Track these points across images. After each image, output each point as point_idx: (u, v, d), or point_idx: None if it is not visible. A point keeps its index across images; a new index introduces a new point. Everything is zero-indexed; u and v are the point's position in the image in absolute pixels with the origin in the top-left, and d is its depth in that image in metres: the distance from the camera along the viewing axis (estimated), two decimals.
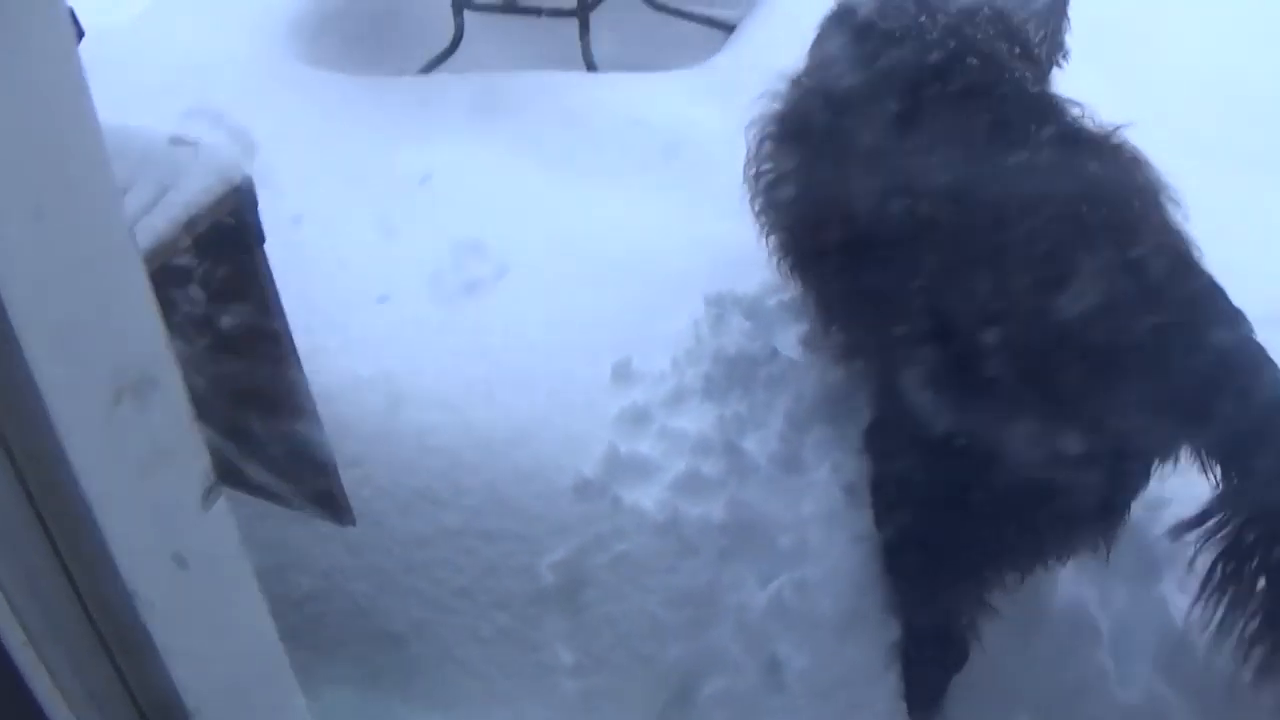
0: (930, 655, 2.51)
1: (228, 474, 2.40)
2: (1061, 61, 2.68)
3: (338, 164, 3.17)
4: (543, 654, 2.58)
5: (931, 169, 2.18)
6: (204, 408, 2.23)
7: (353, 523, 2.55)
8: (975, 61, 2.32)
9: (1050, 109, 2.29)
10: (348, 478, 2.56)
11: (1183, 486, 2.53)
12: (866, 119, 2.36)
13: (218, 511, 1.12)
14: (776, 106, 2.62)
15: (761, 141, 2.66)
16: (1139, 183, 2.16)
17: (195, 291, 2.20)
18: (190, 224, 1.97)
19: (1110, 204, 2.10)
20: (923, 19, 2.38)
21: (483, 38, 4.11)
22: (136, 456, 1.05)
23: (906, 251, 2.21)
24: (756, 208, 2.71)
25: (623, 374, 2.71)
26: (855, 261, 2.38)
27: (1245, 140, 3.54)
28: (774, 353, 2.77)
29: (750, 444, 2.66)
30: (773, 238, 2.71)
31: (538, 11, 3.92)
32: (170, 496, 1.08)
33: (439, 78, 4.04)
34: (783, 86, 2.63)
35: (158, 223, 1.93)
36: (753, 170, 2.69)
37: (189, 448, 1.08)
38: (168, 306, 2.05)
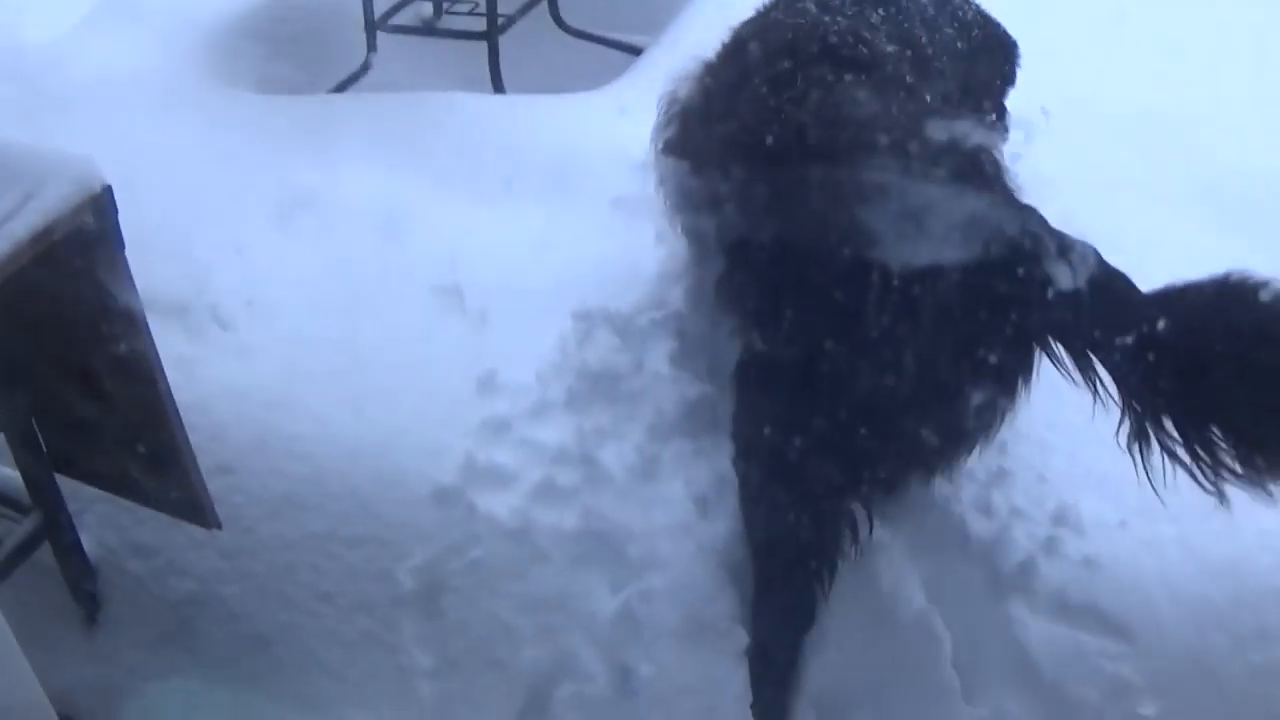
0: (781, 609, 2.58)
1: (104, 478, 2.48)
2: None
3: (230, 179, 3.23)
4: (401, 657, 2.64)
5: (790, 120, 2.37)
6: (71, 406, 2.31)
7: (218, 526, 2.61)
8: (849, 43, 2.53)
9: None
10: (220, 484, 2.63)
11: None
12: (743, 89, 2.57)
13: None
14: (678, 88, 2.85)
15: (663, 112, 2.90)
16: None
17: (58, 298, 2.26)
18: (48, 230, 2.05)
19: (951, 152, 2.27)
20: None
21: (398, 59, 4.19)
22: None
23: (767, 191, 2.40)
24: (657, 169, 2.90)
25: (487, 386, 2.78)
26: (730, 208, 2.55)
27: (1159, 175, 3.62)
28: (639, 367, 2.83)
29: (607, 455, 2.71)
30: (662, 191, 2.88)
31: (448, 33, 3.99)
32: None
33: (346, 97, 4.11)
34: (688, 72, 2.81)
35: (18, 229, 2.02)
36: (658, 138, 2.91)
37: None
38: (32, 305, 2.13)
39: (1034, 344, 2.32)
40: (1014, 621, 2.65)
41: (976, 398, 2.33)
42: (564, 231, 3.11)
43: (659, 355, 2.89)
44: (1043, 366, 2.78)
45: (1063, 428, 2.87)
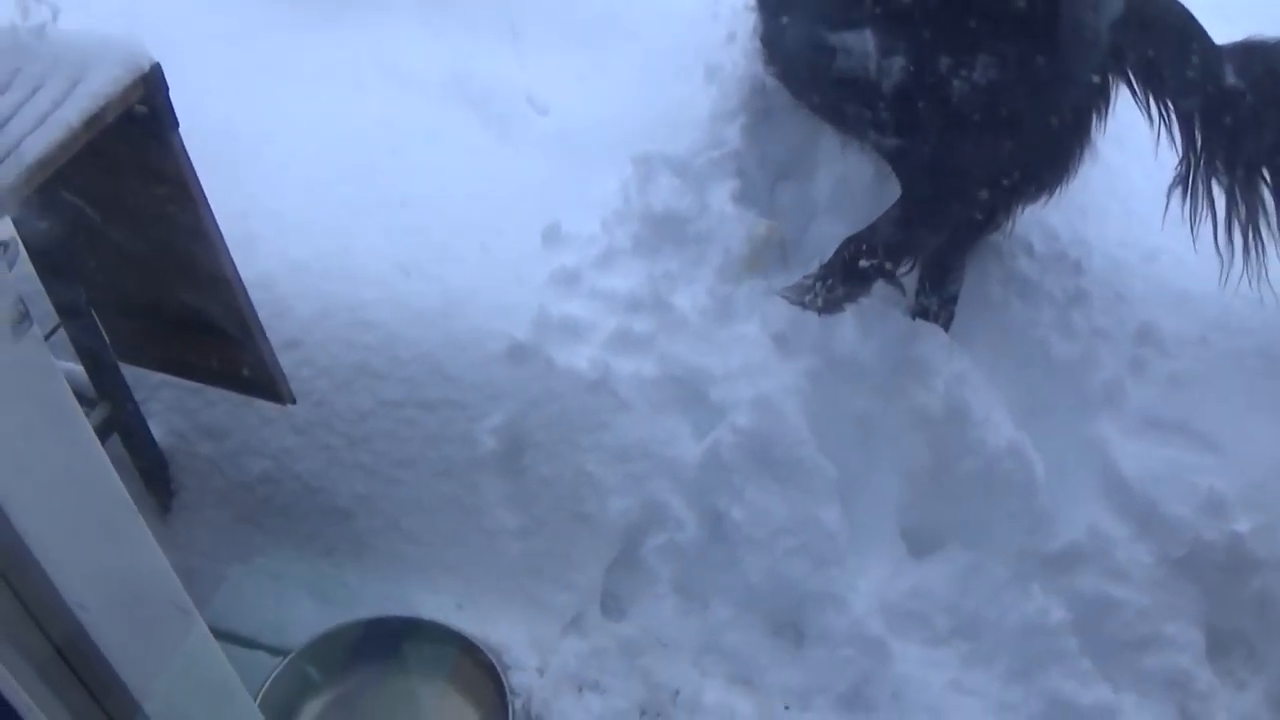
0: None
1: (170, 362, 2.43)
2: None
3: (265, 52, 3.15)
4: (486, 519, 2.62)
5: None
6: (132, 293, 2.26)
7: (293, 401, 2.58)
8: None
9: None
10: (288, 359, 2.58)
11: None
12: None
13: (30, 340, 1.12)
14: None
15: None
16: None
17: (116, 179, 2.21)
18: (100, 114, 1.99)
19: None
20: None
21: None
22: None
23: None
24: None
25: (552, 238, 2.72)
26: None
27: None
28: (703, 208, 2.77)
29: (680, 299, 2.67)
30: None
31: None
32: None
33: None
34: None
35: (69, 115, 1.95)
36: None
37: None
38: (89, 195, 2.08)
39: (1108, 76, 2.47)
40: (1104, 441, 2.63)
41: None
42: (612, 79, 3.04)
43: (721, 195, 2.84)
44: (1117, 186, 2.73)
45: (1136, 246, 2.82)
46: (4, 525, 1.14)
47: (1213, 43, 2.41)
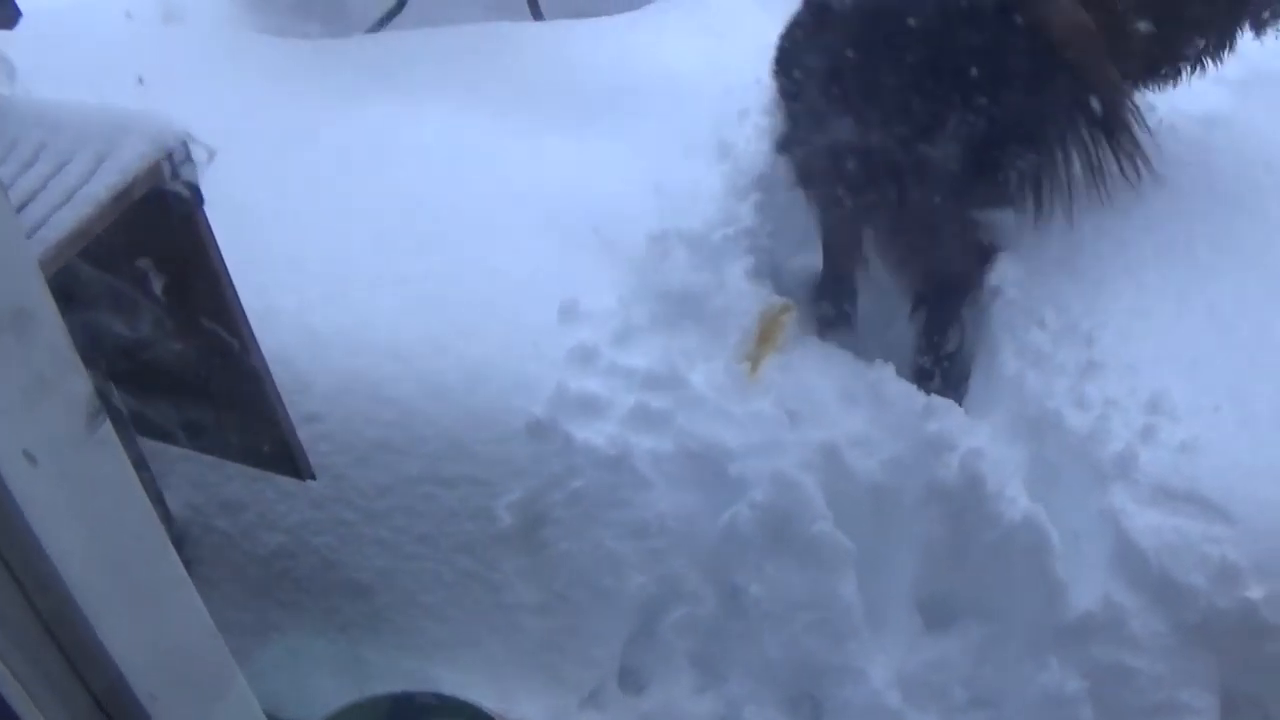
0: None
1: (190, 436, 2.45)
2: None
3: (287, 128, 3.19)
4: (505, 594, 2.63)
5: None
6: (156, 371, 2.28)
7: (313, 477, 2.59)
8: None
9: None
10: (307, 433, 2.60)
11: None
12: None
13: (103, 436, 1.15)
14: None
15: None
16: None
17: (138, 253, 2.23)
18: (127, 190, 2.00)
19: None
20: None
21: None
22: (19, 387, 1.07)
23: None
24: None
25: (569, 314, 2.74)
26: None
27: None
28: (719, 285, 2.80)
29: (697, 376, 2.70)
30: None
31: None
32: (55, 423, 1.11)
33: (386, 36, 4.06)
34: None
35: (97, 191, 1.97)
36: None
37: (70, 376, 1.11)
38: (112, 269, 2.10)
39: None
40: (1117, 511, 2.64)
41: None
42: (624, 155, 3.07)
43: (737, 272, 2.87)
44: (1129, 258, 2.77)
45: (1148, 314, 2.84)
46: (83, 626, 1.16)
47: None
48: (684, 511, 2.60)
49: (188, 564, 2.58)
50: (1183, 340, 2.81)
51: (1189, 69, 3.00)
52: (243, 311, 2.27)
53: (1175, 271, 2.91)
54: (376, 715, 2.50)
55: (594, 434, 2.60)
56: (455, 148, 3.11)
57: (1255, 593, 2.54)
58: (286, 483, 2.62)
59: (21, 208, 1.90)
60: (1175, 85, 3.04)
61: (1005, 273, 2.89)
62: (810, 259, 3.02)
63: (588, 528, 2.59)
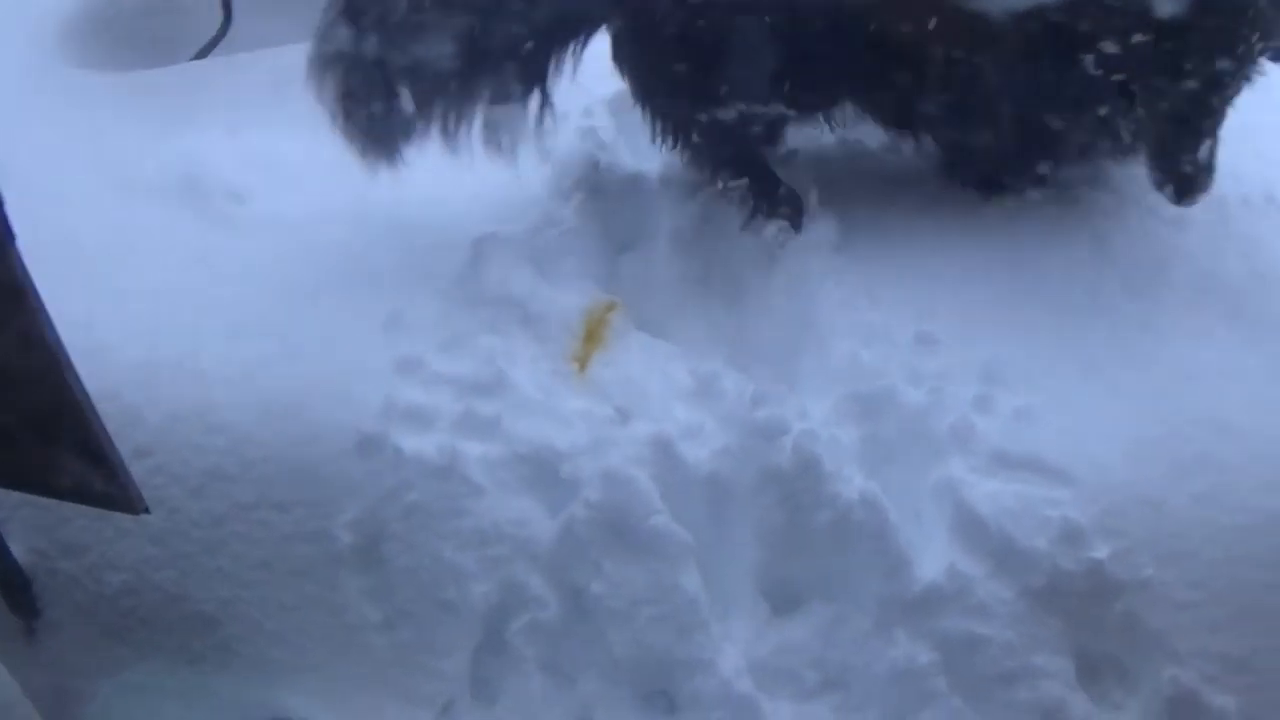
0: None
1: (22, 480, 2.40)
2: None
3: (104, 160, 3.15)
4: (349, 615, 2.62)
5: None
6: None
7: (147, 510, 2.54)
8: None
9: None
10: (140, 468, 2.56)
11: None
12: None
13: None
14: None
15: None
16: None
17: None
18: None
19: None
20: None
21: (256, 15, 4.08)
22: None
23: None
24: None
25: (393, 326, 2.74)
26: None
27: None
28: (542, 288, 2.80)
29: (524, 379, 2.68)
30: None
31: None
32: None
33: (212, 62, 4.01)
34: None
35: None
36: None
37: None
38: None
39: None
40: (956, 482, 2.65)
41: None
42: (445, 163, 3.03)
43: (560, 273, 2.89)
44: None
45: (979, 284, 2.86)
46: None
47: None
48: (519, 516, 2.59)
49: (37, 609, 2.57)
50: (1015, 308, 2.82)
51: None
52: (63, 347, 2.22)
53: (1005, 240, 2.91)
54: None
55: (424, 444, 2.59)
56: (278, 169, 3.09)
57: (1100, 552, 2.56)
58: (125, 520, 2.58)
59: None
60: None
61: (833, 251, 2.88)
62: (635, 257, 3.00)
63: (425, 540, 2.58)
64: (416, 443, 2.58)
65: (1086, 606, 2.60)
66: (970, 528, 2.61)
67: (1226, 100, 2.62)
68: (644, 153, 3.14)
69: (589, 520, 2.55)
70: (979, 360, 2.74)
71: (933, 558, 2.61)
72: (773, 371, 2.77)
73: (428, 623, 2.58)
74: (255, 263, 2.87)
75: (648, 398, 2.67)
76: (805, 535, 2.64)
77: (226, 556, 2.62)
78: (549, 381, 2.69)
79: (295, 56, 2.96)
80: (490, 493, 2.59)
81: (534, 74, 2.90)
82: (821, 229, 2.97)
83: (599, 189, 3.04)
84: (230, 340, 2.73)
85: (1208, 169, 2.64)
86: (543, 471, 2.61)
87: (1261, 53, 2.65)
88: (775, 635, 2.62)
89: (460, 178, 2.96)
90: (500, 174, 2.91)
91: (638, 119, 3.10)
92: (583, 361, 2.74)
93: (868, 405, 2.69)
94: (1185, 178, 2.64)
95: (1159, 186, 2.69)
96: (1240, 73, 2.60)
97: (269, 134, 3.17)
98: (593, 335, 2.76)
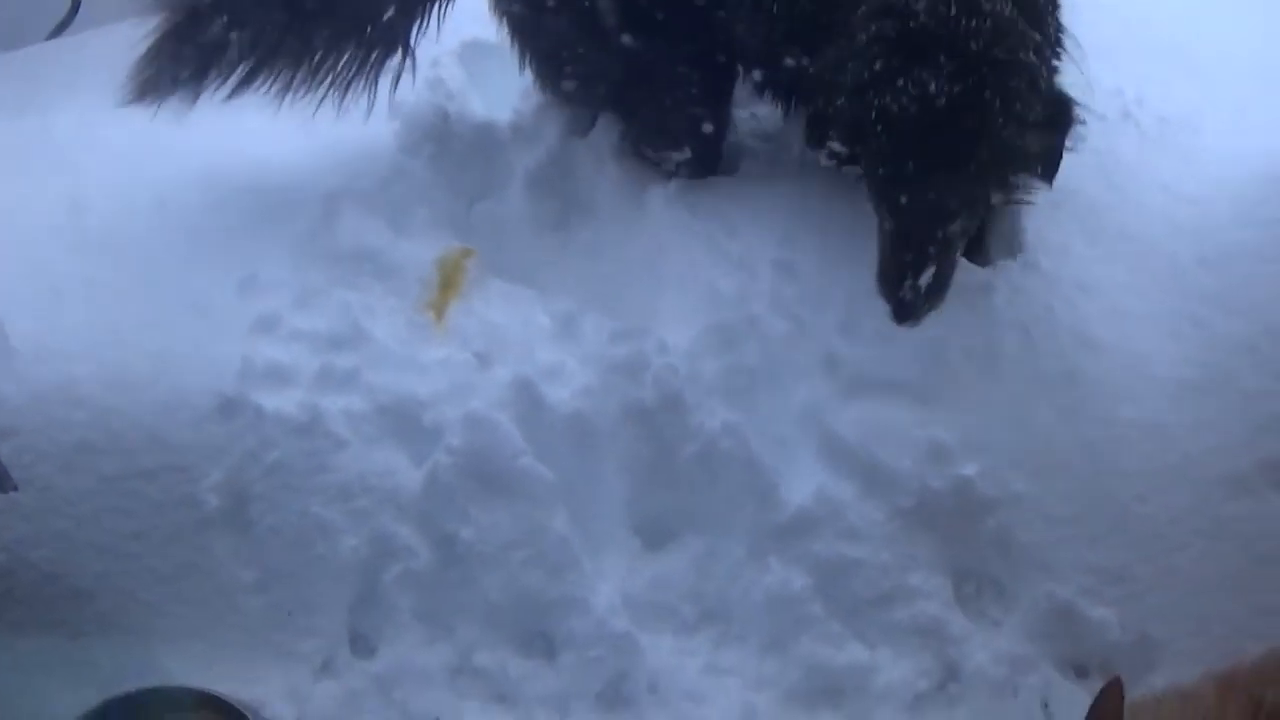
0: None
1: None
2: None
3: None
4: (222, 578, 2.62)
5: None
6: None
7: (15, 489, 2.53)
8: None
9: None
10: (7, 448, 2.56)
11: None
12: None
13: None
14: None
15: None
16: None
17: None
18: None
19: None
20: None
21: None
22: None
23: None
24: None
25: (249, 286, 2.74)
26: None
27: None
28: (396, 240, 2.80)
29: (381, 331, 2.69)
30: None
31: None
32: None
33: (64, 41, 3.98)
34: None
35: None
36: None
37: None
38: None
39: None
40: (821, 408, 2.66)
41: None
42: (294, 122, 3.01)
43: (413, 224, 2.90)
44: None
45: (837, 211, 2.86)
46: None
47: None
48: (384, 467, 2.60)
49: None
50: (874, 234, 2.82)
51: None
52: None
53: None
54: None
55: (284, 402, 2.59)
56: (133, 143, 3.05)
57: (968, 469, 2.59)
58: None
59: None
60: None
61: (689, 185, 2.89)
62: (489, 205, 3.01)
63: (291, 498, 2.58)
64: (277, 401, 2.58)
65: (959, 524, 2.63)
66: (838, 452, 2.64)
67: (952, 236, 2.48)
68: (495, 102, 3.15)
69: (454, 466, 2.55)
70: (840, 286, 2.74)
71: (801, 483, 2.63)
72: (632, 308, 2.76)
73: (300, 580, 2.59)
74: (107, 234, 2.84)
75: (507, 342, 2.68)
76: (672, 469, 2.64)
77: (99, 530, 2.60)
78: (407, 332, 2.69)
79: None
80: (353, 446, 2.58)
81: (398, 30, 2.86)
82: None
83: (450, 139, 3.03)
84: (90, 315, 2.71)
85: (929, 297, 2.48)
86: (405, 421, 2.61)
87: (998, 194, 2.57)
88: (649, 570, 2.63)
89: (306, 135, 2.95)
90: (347, 129, 2.89)
91: (487, 69, 3.09)
92: (440, 310, 2.73)
93: (729, 335, 2.69)
94: (902, 303, 2.48)
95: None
96: (969, 212, 2.47)
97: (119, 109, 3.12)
98: (448, 284, 2.76)
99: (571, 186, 2.98)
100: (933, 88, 2.33)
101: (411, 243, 2.82)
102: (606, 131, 3.04)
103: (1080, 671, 2.61)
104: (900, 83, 2.35)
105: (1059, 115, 2.44)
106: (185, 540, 2.61)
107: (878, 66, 2.38)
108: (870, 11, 2.42)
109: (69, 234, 2.87)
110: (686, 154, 2.88)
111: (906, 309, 2.46)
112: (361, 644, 2.63)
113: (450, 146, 3.00)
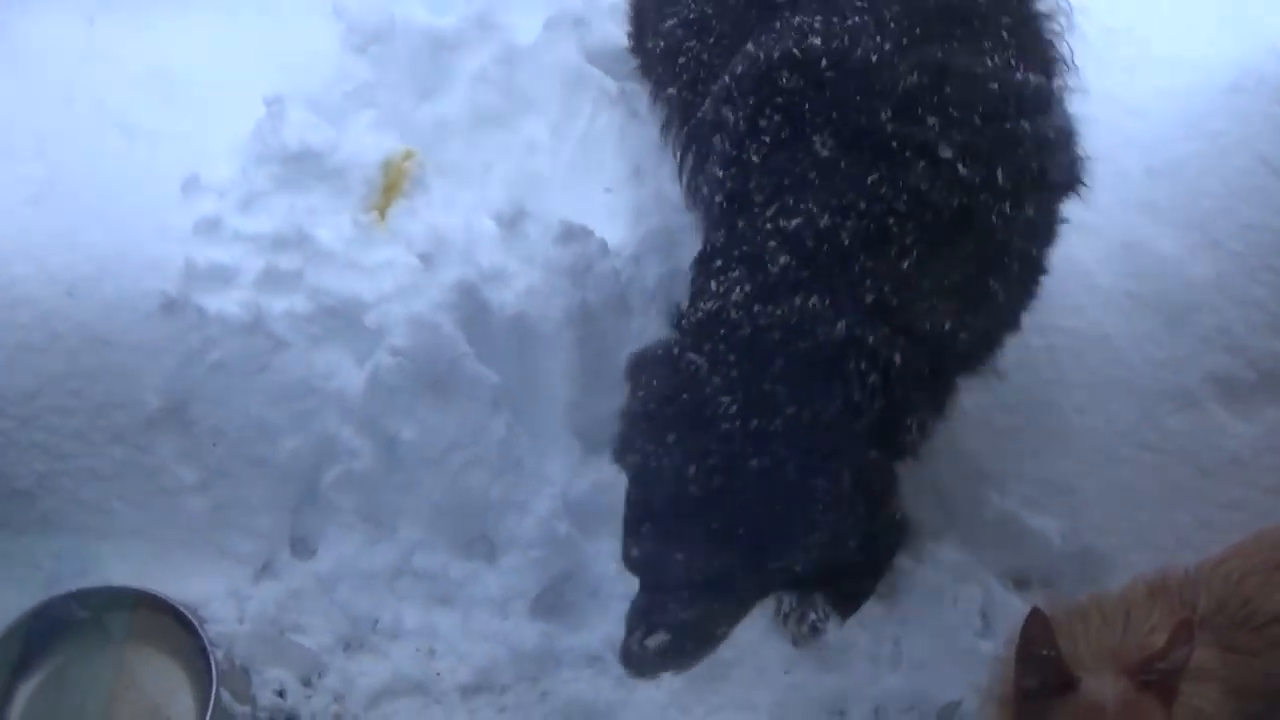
0: None
1: None
2: None
3: None
4: (164, 478, 2.62)
5: None
6: None
7: None
8: None
9: None
10: None
11: None
12: None
13: None
14: None
15: None
16: None
17: None
18: None
19: None
20: None
21: None
22: None
23: None
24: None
25: (191, 188, 2.73)
26: None
27: None
28: (340, 142, 2.78)
29: (325, 233, 2.68)
30: None
31: None
32: None
33: None
34: None
35: None
36: None
37: None
38: None
39: None
40: None
41: None
42: (235, 25, 3.02)
43: (357, 126, 2.88)
44: None
45: None
46: None
47: None
48: (327, 368, 2.59)
49: None
50: None
51: None
52: None
53: None
54: (50, 618, 2.50)
55: (226, 303, 2.59)
56: (73, 45, 3.03)
57: None
58: None
59: None
60: None
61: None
62: (433, 107, 2.99)
63: (233, 398, 2.58)
64: (219, 302, 2.57)
65: None
66: None
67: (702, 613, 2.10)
68: (439, 3, 3.10)
69: (396, 367, 2.54)
70: None
71: None
72: (576, 210, 2.73)
73: (242, 481, 2.59)
74: (50, 138, 2.82)
75: (451, 244, 2.66)
76: (615, 373, 2.61)
77: (41, 430, 2.59)
78: (350, 233, 2.68)
79: None
80: (296, 346, 2.58)
81: None
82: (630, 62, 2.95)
83: (394, 40, 3.01)
84: (30, 216, 2.71)
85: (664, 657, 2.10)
86: (348, 322, 2.61)
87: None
88: (590, 475, 2.62)
89: (250, 38, 2.92)
90: (291, 31, 2.86)
91: None
92: (383, 211, 2.71)
93: (672, 239, 2.67)
94: (627, 652, 2.12)
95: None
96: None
97: (68, 13, 3.09)
98: (392, 185, 2.75)
99: (516, 89, 2.96)
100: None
101: (356, 144, 2.80)
102: (549, 37, 2.99)
103: (1020, 583, 2.62)
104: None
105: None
106: (128, 440, 2.60)
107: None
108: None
109: (9, 134, 2.82)
110: None
111: (632, 660, 2.12)
112: (303, 545, 2.64)
113: (394, 48, 2.99)
